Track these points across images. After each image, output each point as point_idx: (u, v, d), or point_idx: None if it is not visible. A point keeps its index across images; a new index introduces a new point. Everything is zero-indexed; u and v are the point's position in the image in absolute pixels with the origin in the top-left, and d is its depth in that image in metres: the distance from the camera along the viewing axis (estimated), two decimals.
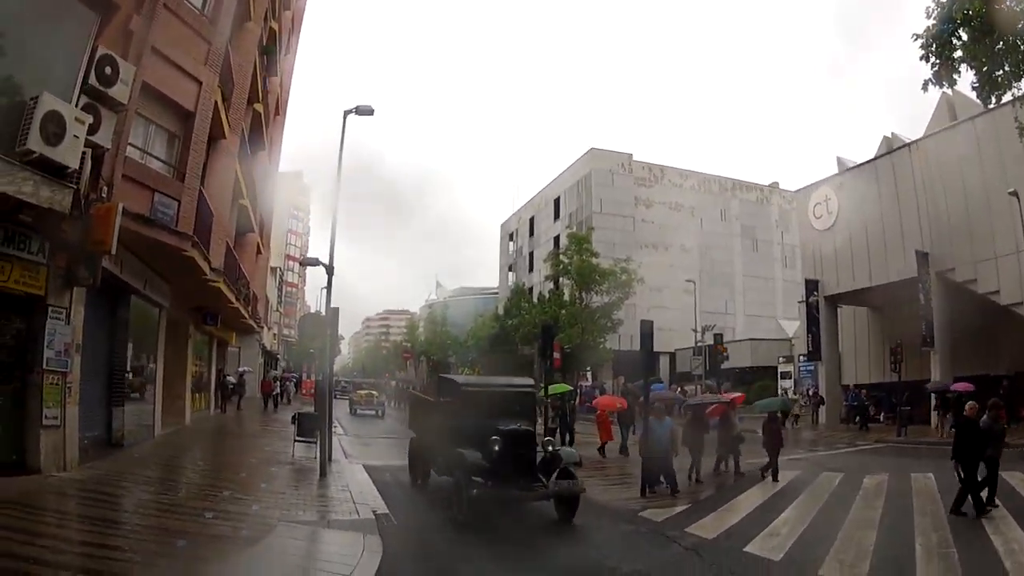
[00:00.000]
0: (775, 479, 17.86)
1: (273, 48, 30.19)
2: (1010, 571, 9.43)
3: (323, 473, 16.68)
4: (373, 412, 44.74)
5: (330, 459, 18.18)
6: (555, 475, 13.08)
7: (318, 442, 17.92)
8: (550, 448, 13.92)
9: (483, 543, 10.78)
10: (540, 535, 12.41)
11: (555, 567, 10.03)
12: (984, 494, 13.07)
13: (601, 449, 24.07)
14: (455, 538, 11.45)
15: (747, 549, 10.93)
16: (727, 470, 19.70)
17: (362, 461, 20.79)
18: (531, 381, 19.62)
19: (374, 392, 49.12)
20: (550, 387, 26.93)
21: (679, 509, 14.48)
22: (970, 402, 14.47)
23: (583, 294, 53.98)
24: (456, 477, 13.02)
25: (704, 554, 10.77)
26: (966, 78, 13.17)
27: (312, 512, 12.48)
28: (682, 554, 10.66)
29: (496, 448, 12.76)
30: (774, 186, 78.65)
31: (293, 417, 21.23)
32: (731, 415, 20.95)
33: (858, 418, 37.45)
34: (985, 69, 12.81)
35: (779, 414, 22.81)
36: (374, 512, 12.78)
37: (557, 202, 77.29)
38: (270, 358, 62.62)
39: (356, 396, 47.64)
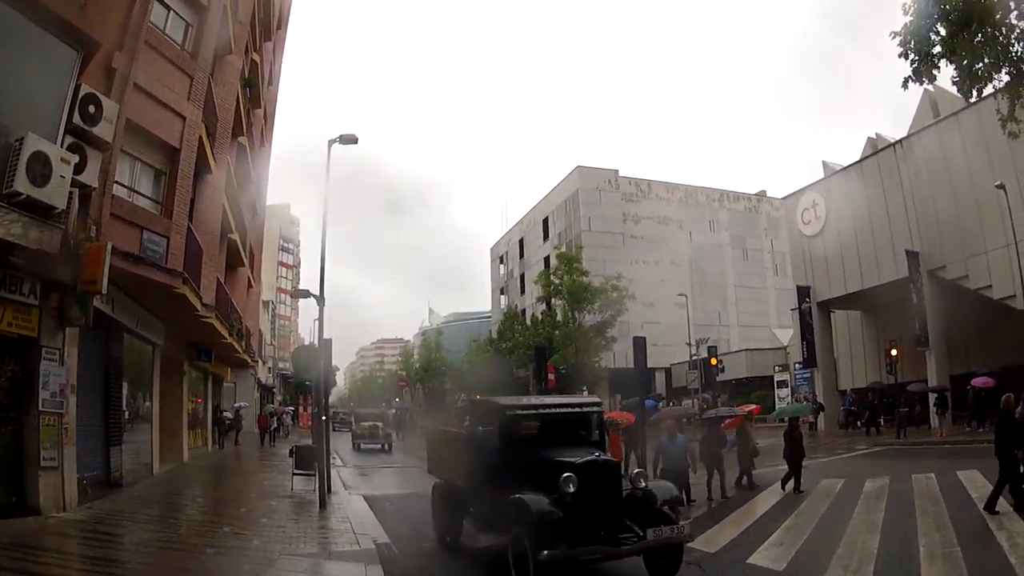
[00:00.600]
0: (798, 490, 17.42)
1: (255, 81, 30.31)
2: (1015, 566, 9.38)
3: (323, 505, 16.56)
4: (378, 446, 39.50)
5: (329, 491, 18.06)
6: (647, 519, 9.93)
7: (316, 474, 17.83)
8: (641, 483, 10.40)
9: (484, 567, 10.69)
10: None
11: None
12: None
13: None
14: (456, 565, 11.43)
15: (750, 560, 10.94)
16: (746, 484, 19.18)
17: (362, 491, 20.71)
18: (597, 399, 15.64)
19: (379, 423, 42.48)
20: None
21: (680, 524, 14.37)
22: (1007, 395, 14.02)
23: (575, 313, 53.91)
24: (515, 535, 9.73)
25: (707, 567, 10.77)
26: (946, 74, 13.26)
27: (313, 544, 12.39)
28: (684, 568, 10.58)
29: (571, 489, 9.56)
30: (762, 194, 79.10)
31: (291, 450, 21.15)
32: (748, 427, 20.44)
33: (859, 422, 37.30)
34: (965, 63, 12.86)
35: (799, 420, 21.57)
36: (375, 542, 12.70)
37: (546, 222, 77.66)
38: (266, 392, 62.47)
39: (359, 428, 41.89)
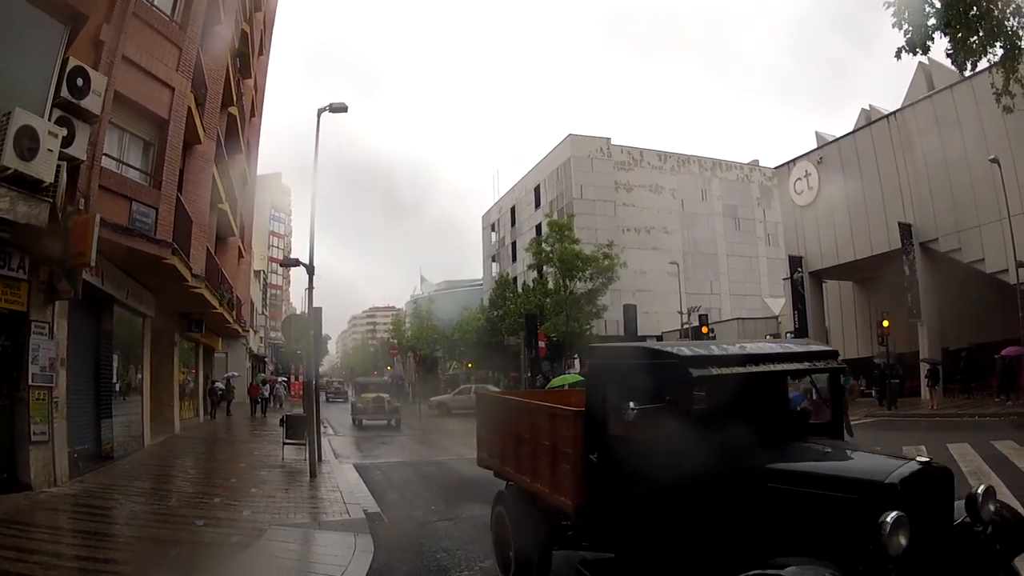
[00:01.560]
0: None
1: (245, 50, 30.08)
2: None
3: (313, 474, 16.61)
4: (384, 422, 34.36)
5: (320, 460, 18.15)
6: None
7: (307, 443, 17.89)
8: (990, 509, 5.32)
9: (475, 538, 10.71)
10: None
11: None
12: None
13: None
14: (446, 535, 11.30)
15: None
16: None
17: (352, 461, 20.90)
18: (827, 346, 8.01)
19: (384, 395, 36.48)
20: (555, 380, 24.30)
21: None
22: None
23: (567, 281, 53.97)
24: None
25: None
26: (940, 46, 13.22)
27: (303, 514, 12.42)
28: None
29: (902, 543, 4.49)
30: (754, 164, 79.09)
31: (281, 420, 21.25)
32: None
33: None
34: (959, 36, 12.83)
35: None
36: (365, 511, 12.74)
37: (537, 190, 77.69)
38: (258, 362, 62.36)
39: (360, 401, 35.98)
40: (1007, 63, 13.65)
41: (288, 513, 12.38)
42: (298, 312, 43.84)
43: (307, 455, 17.46)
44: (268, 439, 25.37)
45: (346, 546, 10.05)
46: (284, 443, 19.94)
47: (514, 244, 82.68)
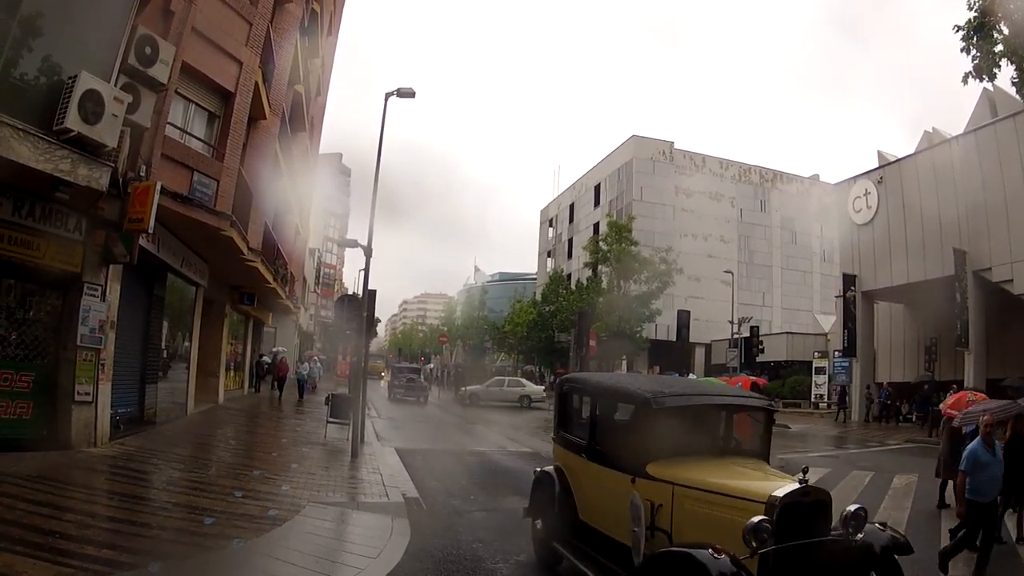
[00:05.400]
0: None
1: (314, 29, 30.26)
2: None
3: (355, 455, 16.69)
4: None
5: (362, 441, 18.24)
6: None
7: (351, 424, 17.97)
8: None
9: (512, 531, 10.68)
10: None
11: None
12: None
13: None
14: (483, 525, 11.28)
15: None
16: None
17: (394, 444, 20.90)
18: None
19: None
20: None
21: None
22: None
23: (621, 282, 53.72)
24: None
25: None
26: (1007, 73, 13.02)
27: (342, 494, 12.46)
28: None
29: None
30: (814, 178, 77.72)
31: (327, 398, 21.35)
32: None
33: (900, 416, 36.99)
34: None
35: None
36: (404, 495, 12.75)
37: (597, 189, 77.30)
38: (306, 338, 62.83)
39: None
40: None
41: (327, 491, 12.43)
42: (350, 293, 43.89)
43: (350, 435, 17.57)
44: (312, 416, 25.58)
45: (383, 528, 10.11)
46: (328, 422, 20.05)
47: (570, 241, 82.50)
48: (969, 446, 9.18)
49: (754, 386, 19.12)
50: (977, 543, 9.30)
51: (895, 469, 19.41)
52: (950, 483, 12.32)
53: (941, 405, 16.37)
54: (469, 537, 10.32)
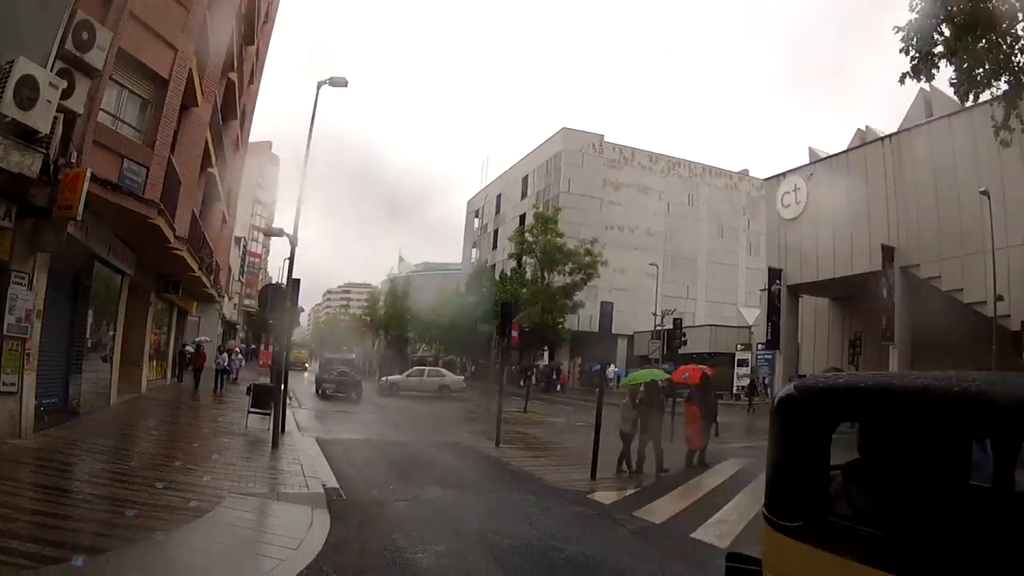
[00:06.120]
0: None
1: (251, 16, 29.93)
2: None
3: (275, 445, 16.68)
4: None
5: (283, 431, 18.25)
6: None
7: (272, 413, 17.88)
8: None
9: (432, 520, 10.76)
10: (484, 513, 11.99)
11: (498, 545, 9.80)
12: None
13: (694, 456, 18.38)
14: (402, 516, 11.25)
15: (694, 535, 10.92)
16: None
17: (314, 434, 20.90)
18: None
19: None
20: (635, 375, 20.57)
21: (628, 493, 14.41)
22: None
23: (545, 273, 54.26)
24: None
25: (650, 538, 10.82)
26: (944, 74, 13.34)
27: (262, 484, 12.45)
28: (628, 537, 10.69)
29: None
30: (743, 173, 79.24)
31: (248, 388, 21.25)
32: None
33: None
34: (965, 66, 12.98)
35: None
36: (324, 486, 12.79)
37: (525, 180, 77.83)
38: (229, 328, 61.99)
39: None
40: (1011, 98, 13.80)
41: (248, 482, 12.41)
42: (274, 282, 43.20)
43: (271, 425, 17.48)
44: (233, 406, 25.29)
45: (303, 519, 10.10)
46: (249, 411, 19.96)
47: (496, 232, 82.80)
48: None
49: (703, 376, 19.15)
50: None
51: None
52: None
53: None
54: (388, 527, 10.32)
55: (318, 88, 20.44)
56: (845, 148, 42.30)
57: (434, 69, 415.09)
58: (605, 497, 13.79)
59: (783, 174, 44.06)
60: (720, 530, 11.29)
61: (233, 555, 8.27)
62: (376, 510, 11.58)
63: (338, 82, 20.37)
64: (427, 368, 49.58)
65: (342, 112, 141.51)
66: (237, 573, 7.83)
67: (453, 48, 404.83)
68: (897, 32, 13.09)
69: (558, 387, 57.41)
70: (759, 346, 47.22)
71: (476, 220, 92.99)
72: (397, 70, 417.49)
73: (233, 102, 30.77)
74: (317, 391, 37.93)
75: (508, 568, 8.76)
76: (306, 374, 58.03)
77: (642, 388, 17.33)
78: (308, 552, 8.62)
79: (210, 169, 27.72)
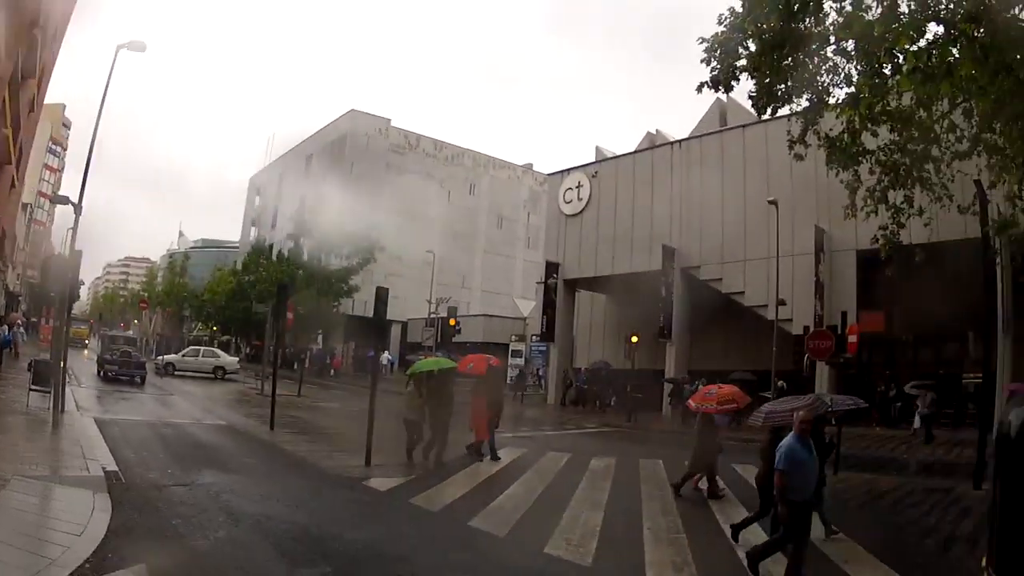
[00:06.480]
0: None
1: None
2: (741, 556, 9.57)
3: (56, 425, 16.46)
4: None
5: (63, 411, 17.93)
6: None
7: (52, 392, 17.55)
8: None
9: (210, 507, 10.81)
10: (261, 499, 12.02)
11: (275, 532, 9.89)
12: None
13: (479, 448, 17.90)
14: (182, 501, 11.17)
15: (471, 524, 11.09)
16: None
17: (93, 414, 20.36)
18: None
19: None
20: (422, 363, 19.39)
21: (404, 480, 14.45)
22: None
23: (323, 256, 54.67)
24: None
25: (428, 525, 11.20)
26: (743, 87, 14.29)
27: (45, 467, 12.19)
28: (405, 524, 11.03)
29: None
30: (528, 167, 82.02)
31: (29, 364, 20.83)
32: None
33: (597, 402, 39.38)
34: (767, 81, 13.94)
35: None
36: (103, 469, 12.53)
37: (310, 160, 78.01)
38: (12, 299, 58.90)
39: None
40: (811, 114, 14.92)
41: (31, 464, 12.14)
42: (57, 253, 41.11)
43: (51, 404, 17.15)
44: (14, 383, 24.53)
45: (85, 504, 9.93)
46: (31, 389, 19.42)
47: (276, 210, 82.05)
48: (785, 443, 8.75)
49: (489, 367, 19.47)
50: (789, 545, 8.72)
51: (592, 451, 20.39)
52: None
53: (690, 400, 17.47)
54: (169, 513, 10.33)
55: (116, 52, 19.96)
56: (634, 149, 44.39)
57: (228, 38, 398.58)
58: (381, 484, 13.90)
59: (567, 170, 45.38)
60: (497, 518, 11.59)
61: (19, 542, 8.04)
62: (155, 495, 11.45)
63: (137, 46, 19.98)
64: (202, 348, 48.43)
65: (133, 80, 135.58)
66: (24, 562, 7.47)
67: (244, 19, 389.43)
68: (701, 43, 13.92)
69: (331, 372, 57.43)
70: (533, 337, 48.49)
71: (257, 198, 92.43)
72: (192, 43, 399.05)
73: (34, 59, 29.48)
74: (99, 373, 35.33)
75: (287, 555, 8.89)
76: (86, 351, 55.75)
77: (435, 373, 17.36)
78: (92, 539, 8.49)
79: (4, 130, 26.51)
